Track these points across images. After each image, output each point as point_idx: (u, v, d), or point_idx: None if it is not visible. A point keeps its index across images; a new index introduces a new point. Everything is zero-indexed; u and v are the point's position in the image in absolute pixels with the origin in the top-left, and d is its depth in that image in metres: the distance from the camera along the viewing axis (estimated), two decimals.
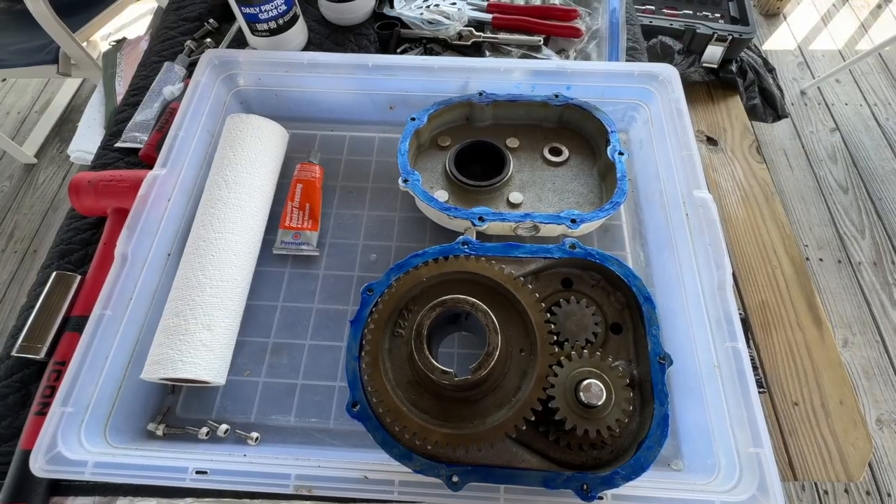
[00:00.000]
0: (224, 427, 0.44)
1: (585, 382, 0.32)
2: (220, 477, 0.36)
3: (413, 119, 0.53)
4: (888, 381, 1.25)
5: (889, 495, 1.12)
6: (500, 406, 0.34)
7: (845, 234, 1.46)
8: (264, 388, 0.47)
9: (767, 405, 0.80)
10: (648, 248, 0.53)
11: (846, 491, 1.13)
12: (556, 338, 0.37)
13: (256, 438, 0.44)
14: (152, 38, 0.74)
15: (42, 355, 0.47)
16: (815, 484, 1.13)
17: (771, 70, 1.23)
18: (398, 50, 0.68)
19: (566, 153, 0.55)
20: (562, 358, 0.35)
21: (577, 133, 0.57)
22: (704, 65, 1.11)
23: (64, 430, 0.37)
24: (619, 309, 0.41)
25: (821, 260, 1.42)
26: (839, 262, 1.41)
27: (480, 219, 0.47)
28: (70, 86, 1.81)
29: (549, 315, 0.36)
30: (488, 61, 0.56)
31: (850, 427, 0.78)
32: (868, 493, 1.12)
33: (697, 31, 1.05)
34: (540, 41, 0.66)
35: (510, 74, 0.55)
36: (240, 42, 0.70)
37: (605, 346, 0.39)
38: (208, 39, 0.71)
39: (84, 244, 0.55)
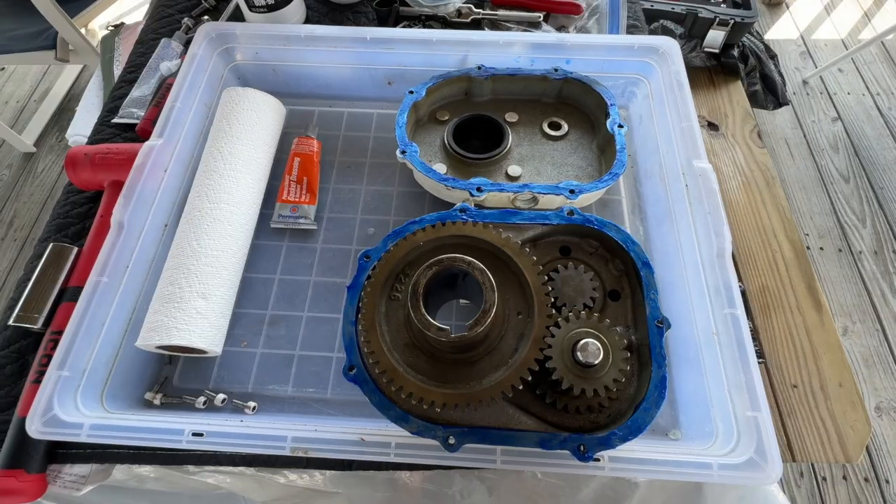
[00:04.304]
0: (221, 396, 0.44)
1: (582, 342, 0.32)
2: (217, 439, 0.36)
3: (411, 92, 0.52)
4: (888, 370, 1.25)
5: (887, 482, 1.12)
6: (497, 367, 0.34)
7: (846, 223, 1.45)
8: (262, 358, 0.47)
9: (766, 387, 0.79)
10: (647, 221, 0.53)
11: (844, 478, 1.13)
12: (553, 301, 0.37)
13: (254, 408, 0.44)
14: (150, 15, 0.74)
15: (39, 325, 0.46)
16: (814, 470, 1.13)
17: (773, 56, 1.22)
18: (397, 27, 0.67)
19: (565, 127, 0.55)
20: (559, 320, 0.35)
21: (577, 108, 0.57)
22: (706, 49, 1.10)
23: (60, 393, 0.37)
24: (618, 276, 0.40)
25: (821, 249, 1.41)
26: (840, 250, 1.41)
27: (479, 189, 0.47)
28: (69, 74, 1.81)
29: (546, 279, 0.36)
30: (487, 35, 0.55)
31: (848, 409, 0.77)
32: (866, 479, 1.12)
33: (699, 14, 1.04)
34: (539, 17, 0.65)
35: (510, 48, 0.55)
36: (237, 20, 0.69)
37: (603, 313, 0.39)
38: (206, 17, 0.71)
39: (81, 218, 0.55)
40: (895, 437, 1.17)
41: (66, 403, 0.37)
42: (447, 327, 0.31)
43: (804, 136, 1.62)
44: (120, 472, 0.43)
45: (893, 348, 1.27)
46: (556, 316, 0.35)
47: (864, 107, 1.67)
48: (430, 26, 0.67)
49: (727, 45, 1.10)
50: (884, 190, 1.50)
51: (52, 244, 0.50)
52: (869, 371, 1.25)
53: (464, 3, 0.67)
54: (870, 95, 1.69)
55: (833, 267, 1.38)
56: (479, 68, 0.54)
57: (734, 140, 1.05)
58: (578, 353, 0.32)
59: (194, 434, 0.35)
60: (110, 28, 1.09)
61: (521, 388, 0.32)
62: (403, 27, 0.67)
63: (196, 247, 0.44)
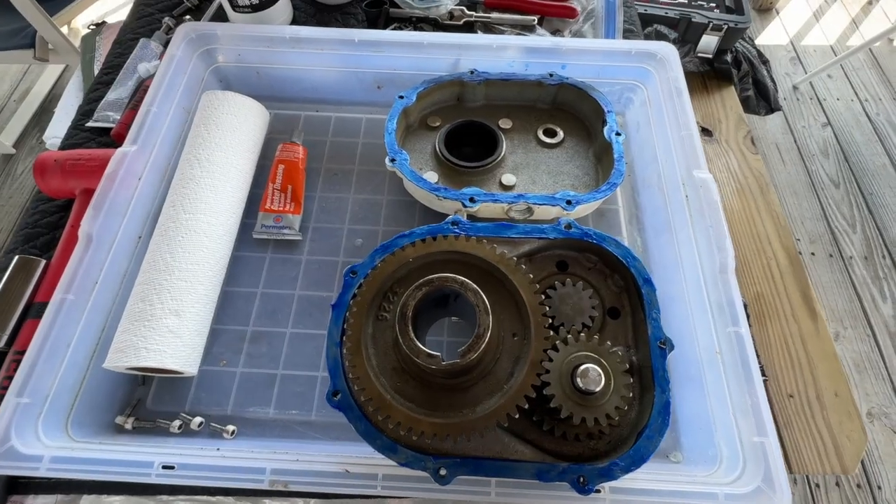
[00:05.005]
0: (198, 420, 0.42)
1: (583, 367, 0.30)
2: (190, 472, 0.33)
3: (401, 97, 0.50)
4: (879, 375, 1.25)
5: (879, 488, 1.12)
6: (492, 394, 0.32)
7: (837, 229, 1.46)
8: (242, 378, 0.44)
9: None
10: (646, 233, 0.51)
11: (837, 484, 1.12)
12: (550, 321, 0.35)
13: (233, 432, 0.41)
14: (130, 14, 0.71)
15: (1, 344, 0.43)
16: (807, 477, 1.12)
17: (765, 62, 1.21)
18: (387, 29, 0.65)
19: (561, 135, 0.53)
20: (557, 342, 0.33)
21: (573, 114, 0.55)
22: (699, 55, 1.09)
23: (18, 422, 0.34)
24: (617, 293, 0.39)
25: (812, 254, 1.42)
26: (831, 256, 1.41)
27: (471, 200, 0.45)
28: (50, 74, 1.75)
29: (543, 298, 0.34)
30: (480, 38, 0.53)
31: (844, 419, 0.77)
32: (859, 485, 1.12)
33: (693, 19, 1.04)
34: (534, 21, 0.64)
35: (503, 52, 0.53)
36: (221, 20, 0.67)
37: (603, 332, 0.37)
38: (188, 17, 0.68)
39: (51, 228, 0.52)
40: (887, 442, 1.17)
41: (26, 433, 0.34)
42: (437, 354, 0.29)
43: (795, 141, 1.62)
44: (88, 502, 0.40)
45: (884, 354, 1.27)
46: (554, 338, 0.33)
47: (853, 112, 1.68)
48: (422, 29, 0.65)
49: (720, 51, 1.10)
50: (873, 195, 1.51)
51: (17, 256, 0.47)
52: (860, 377, 1.25)
53: (456, 5, 0.65)
54: (858, 101, 1.70)
55: (824, 272, 1.39)
56: (472, 73, 0.52)
57: (728, 146, 1.04)
58: (578, 380, 0.30)
59: (164, 467, 0.33)
60: (91, 27, 1.06)
61: (517, 416, 0.30)
62: (393, 29, 0.65)
63: (170, 260, 0.41)
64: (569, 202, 0.44)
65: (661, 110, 0.50)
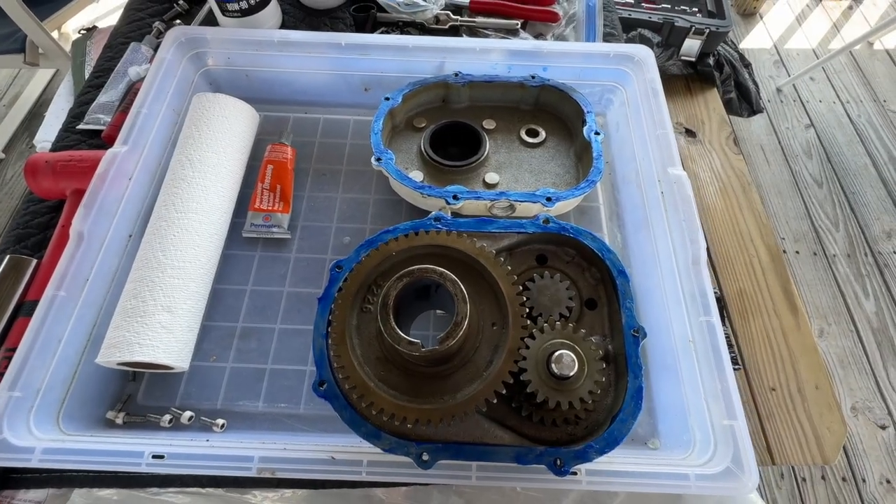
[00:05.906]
0: (188, 414, 0.42)
1: (557, 353, 0.32)
2: (179, 461, 0.34)
3: (387, 98, 0.52)
4: (862, 370, 1.28)
5: (864, 480, 1.14)
6: (471, 381, 0.33)
7: (820, 227, 1.49)
8: (232, 373, 0.45)
9: (745, 390, 0.80)
10: (625, 229, 0.53)
11: (823, 478, 1.15)
12: (528, 312, 0.36)
13: (222, 425, 0.42)
14: (120, 19, 0.72)
15: None
16: (794, 471, 1.14)
17: (747, 65, 1.24)
18: (374, 33, 0.67)
19: (543, 135, 0.55)
20: (534, 331, 0.34)
21: (554, 115, 0.57)
22: (682, 58, 1.12)
23: (10, 415, 0.35)
24: (594, 285, 0.40)
25: (797, 252, 1.45)
26: (815, 254, 1.44)
27: (455, 197, 0.46)
28: (41, 78, 1.75)
29: (521, 289, 0.35)
30: (464, 41, 0.55)
31: (825, 411, 0.79)
32: (844, 479, 1.14)
33: (675, 24, 1.06)
34: (517, 25, 0.65)
35: (487, 55, 0.55)
36: (211, 24, 0.68)
37: (580, 322, 0.39)
38: (178, 21, 0.69)
39: (42, 228, 0.53)
40: (871, 436, 1.19)
41: (18, 426, 0.35)
42: (417, 341, 0.30)
43: (779, 142, 1.66)
44: (79, 496, 0.41)
45: (867, 350, 1.30)
46: (532, 326, 0.34)
47: (835, 114, 1.72)
48: (408, 33, 0.67)
49: (703, 54, 1.12)
50: (855, 195, 1.55)
51: (8, 256, 0.48)
52: (844, 372, 1.27)
53: (441, 9, 0.67)
54: (840, 103, 1.74)
55: (808, 270, 1.42)
56: (457, 75, 0.54)
57: (711, 147, 1.07)
58: (553, 366, 0.31)
59: (154, 456, 0.34)
60: (82, 32, 1.06)
61: (495, 401, 0.31)
62: (381, 33, 0.67)
63: (161, 258, 0.42)
64: (548, 199, 0.46)
65: (638, 110, 0.52)
